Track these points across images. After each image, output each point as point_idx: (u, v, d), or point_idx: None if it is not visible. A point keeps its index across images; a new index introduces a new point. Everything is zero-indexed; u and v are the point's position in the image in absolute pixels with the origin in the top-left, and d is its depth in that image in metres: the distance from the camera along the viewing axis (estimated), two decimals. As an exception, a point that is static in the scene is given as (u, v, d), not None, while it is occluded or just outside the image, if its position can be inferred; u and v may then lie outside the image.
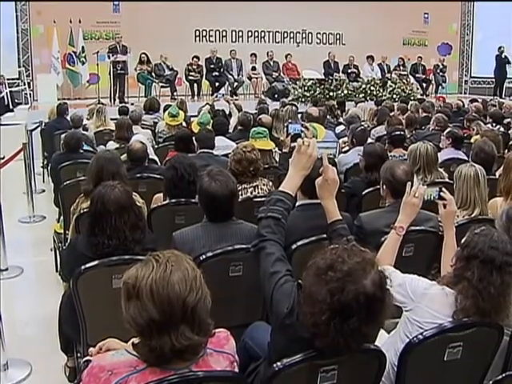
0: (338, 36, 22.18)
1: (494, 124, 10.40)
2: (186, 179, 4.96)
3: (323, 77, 18.26)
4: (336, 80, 18.00)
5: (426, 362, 2.94)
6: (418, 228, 4.19)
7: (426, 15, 23.27)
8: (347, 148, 7.65)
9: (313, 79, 17.62)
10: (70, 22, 17.17)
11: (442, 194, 3.72)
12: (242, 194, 5.17)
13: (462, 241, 3.04)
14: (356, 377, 2.69)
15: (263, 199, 4.17)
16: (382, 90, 18.25)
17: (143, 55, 17.29)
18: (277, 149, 7.42)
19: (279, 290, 2.69)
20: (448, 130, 7.65)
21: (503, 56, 21.36)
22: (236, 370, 2.53)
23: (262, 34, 21.11)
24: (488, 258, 2.86)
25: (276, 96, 17.34)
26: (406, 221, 3.66)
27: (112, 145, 8.17)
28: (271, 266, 2.80)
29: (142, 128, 9.65)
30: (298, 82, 17.91)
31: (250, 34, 20.89)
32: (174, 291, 2.20)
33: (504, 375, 2.71)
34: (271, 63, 19.10)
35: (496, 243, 2.89)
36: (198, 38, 20.19)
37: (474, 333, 2.93)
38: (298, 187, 3.34)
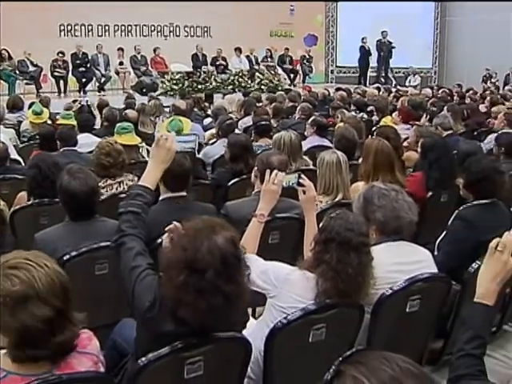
0: (205, 29, 22.19)
1: (357, 111, 10.74)
2: (50, 178, 4.82)
3: (191, 70, 18.25)
4: (204, 72, 18.02)
5: (292, 345, 2.99)
6: (282, 215, 4.28)
7: (291, 7, 23.67)
8: (214, 140, 7.68)
9: (181, 72, 17.59)
10: None
11: (301, 180, 3.77)
12: (107, 191, 5.09)
13: (320, 225, 3.12)
14: (223, 366, 2.71)
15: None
16: (250, 82, 18.40)
17: (4, 51, 16.61)
18: (144, 144, 7.33)
19: (140, 284, 2.66)
20: (312, 118, 7.83)
21: (366, 46, 22.16)
22: (101, 369, 2.48)
23: (129, 27, 20.78)
24: (344, 239, 2.94)
25: (144, 90, 17.14)
26: (266, 208, 3.70)
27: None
28: (132, 260, 2.76)
29: (6, 127, 9.26)
30: (166, 76, 17.79)
31: (116, 28, 20.51)
32: None
33: (353, 350, 2.81)
34: (139, 57, 18.83)
35: (352, 225, 2.98)
36: (62, 33, 19.58)
37: (336, 313, 3.01)
38: (160, 180, 3.31)
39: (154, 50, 19.27)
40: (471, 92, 16.41)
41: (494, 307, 2.28)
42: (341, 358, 1.30)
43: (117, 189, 5.19)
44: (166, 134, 3.27)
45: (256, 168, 4.34)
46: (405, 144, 7.08)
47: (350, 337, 3.17)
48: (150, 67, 18.95)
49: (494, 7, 21.86)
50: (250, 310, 4.13)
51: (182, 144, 3.31)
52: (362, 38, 22.33)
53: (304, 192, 3.78)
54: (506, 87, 19.93)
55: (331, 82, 23.89)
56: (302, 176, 3.82)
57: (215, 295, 2.39)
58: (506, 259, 2.25)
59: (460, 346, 2.25)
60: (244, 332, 2.86)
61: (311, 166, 5.83)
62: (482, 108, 12.49)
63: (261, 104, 11.22)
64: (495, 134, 7.42)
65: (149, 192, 3.09)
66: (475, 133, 9.38)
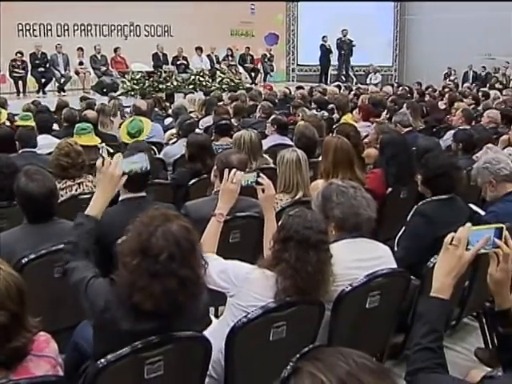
0: (166, 28, 22.09)
1: (318, 110, 10.79)
2: (7, 181, 4.74)
3: (152, 69, 18.15)
4: (165, 72, 17.93)
5: (253, 344, 3.01)
6: (243, 214, 4.28)
7: (252, 6, 23.68)
8: (175, 140, 7.65)
9: (142, 72, 17.50)
10: None
11: (259, 179, 3.79)
12: (66, 192, 5.04)
13: (278, 224, 3.13)
14: (183, 365, 2.71)
15: (88, 196, 4.08)
16: (211, 81, 18.38)
17: (-39, 52, 16.34)
18: (104, 144, 7.26)
19: (91, 290, 2.70)
20: (273, 117, 7.85)
21: (327, 45, 22.30)
22: (60, 372, 2.46)
23: (89, 27, 20.53)
24: (303, 237, 2.95)
25: (105, 90, 17.01)
26: (224, 207, 3.70)
27: None
28: (79, 275, 2.84)
29: (-38, 129, 9.10)
30: (126, 76, 17.67)
31: (75, 27, 20.23)
32: None
33: (310, 347, 2.82)
34: (99, 57, 18.69)
35: (310, 223, 2.99)
36: (21, 33, 19.26)
37: (296, 311, 3.02)
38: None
39: (115, 50, 19.13)
40: (430, 89, 16.64)
41: (449, 301, 2.31)
42: (298, 355, 1.30)
43: (76, 190, 5.13)
44: (107, 159, 3.26)
45: (215, 167, 4.34)
46: (365, 141, 7.14)
47: (310, 334, 3.18)
48: (110, 67, 18.82)
49: (453, 6, 22.16)
50: (212, 310, 4.15)
51: (130, 166, 3.29)
52: (323, 37, 22.50)
53: (263, 190, 3.79)
54: (465, 84, 20.20)
55: (292, 81, 23.94)
56: (261, 175, 3.84)
57: (170, 278, 2.44)
58: (461, 253, 2.27)
59: (417, 340, 2.27)
60: (205, 332, 2.86)
61: (272, 165, 5.84)
62: (441, 105, 12.67)
63: (222, 103, 11.20)
64: (453, 131, 7.53)
65: (92, 220, 3.16)
66: (434, 129, 9.51)
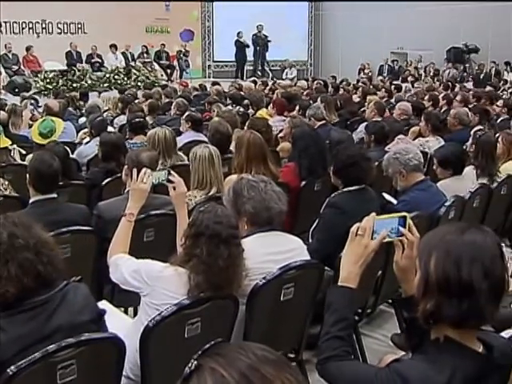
0: (79, 25, 21.57)
1: (233, 105, 10.80)
2: None
3: (66, 68, 17.84)
4: (79, 70, 17.69)
5: (168, 342, 2.99)
6: (157, 212, 4.26)
7: (167, 3, 23.51)
8: (88, 139, 7.52)
9: (55, 71, 17.17)
10: None
11: (170, 176, 3.78)
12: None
13: (189, 220, 3.13)
14: (97, 367, 2.67)
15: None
16: (126, 79, 18.20)
17: None
18: (15, 146, 7.07)
19: None
20: (187, 113, 7.83)
21: (242, 40, 22.39)
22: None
23: (-2, 25, 19.97)
24: (214, 232, 2.95)
25: (17, 90, 16.56)
26: (135, 206, 3.67)
27: None
28: None
29: None
30: (39, 75, 17.29)
31: (-16, 25, 19.67)
32: None
33: (212, 343, 2.82)
34: (10, 56, 18.24)
35: (220, 218, 2.99)
36: None
37: (210, 307, 3.02)
38: (29, 183, 3.24)
39: (27, 49, 18.67)
40: (345, 83, 16.90)
41: (357, 289, 2.36)
42: (200, 352, 1.30)
43: (-13, 193, 5.00)
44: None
45: (126, 166, 4.30)
46: (280, 135, 7.20)
47: (226, 329, 3.19)
48: (22, 66, 18.38)
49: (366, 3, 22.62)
50: (131, 310, 4.13)
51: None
52: (238, 33, 22.60)
53: (174, 188, 3.78)
54: (378, 77, 20.63)
55: (209, 77, 23.88)
56: (172, 172, 3.83)
57: (22, 252, 2.45)
58: (367, 243, 2.32)
59: (326, 329, 2.31)
60: (120, 333, 2.83)
61: (186, 162, 5.82)
62: (355, 98, 12.89)
63: (137, 101, 11.10)
64: (366, 123, 7.68)
65: None
66: (348, 122, 9.68)
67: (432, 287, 2.01)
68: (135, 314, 4.10)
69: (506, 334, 2.65)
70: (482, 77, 20.66)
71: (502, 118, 9.75)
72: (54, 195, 4.05)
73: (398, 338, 4.44)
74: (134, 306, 4.12)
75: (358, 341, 4.26)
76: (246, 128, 6.59)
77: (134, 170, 3.78)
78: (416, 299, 2.10)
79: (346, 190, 4.48)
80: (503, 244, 4.93)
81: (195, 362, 1.33)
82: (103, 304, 3.41)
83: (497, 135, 6.47)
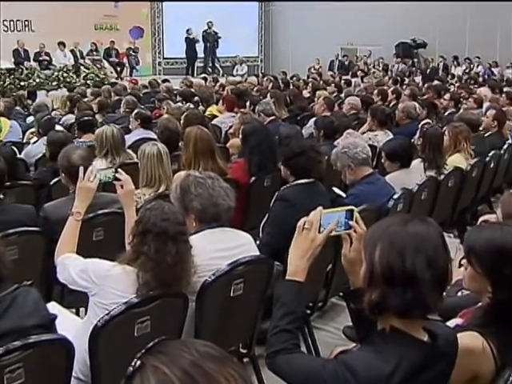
0: (26, 23, 21.15)
1: (183, 102, 10.76)
2: None
3: (13, 66, 17.54)
4: (27, 69, 17.41)
5: (118, 341, 2.97)
6: (105, 211, 4.22)
7: (116, 3, 23.26)
8: (35, 139, 7.42)
9: (2, 69, 16.87)
10: None
11: (117, 175, 3.76)
12: None
13: (137, 217, 3.12)
14: (45, 370, 2.65)
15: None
16: (75, 77, 17.98)
17: None
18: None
19: None
20: (136, 111, 7.78)
21: (192, 37, 22.32)
22: None
23: None
24: (161, 229, 2.95)
25: (-39, 91, 16.28)
26: (82, 205, 3.64)
27: None
28: None
29: None
30: (-15, 74, 16.96)
31: None
32: None
33: (155, 341, 2.82)
34: (-47, 55, 17.85)
35: (167, 215, 2.99)
36: None
37: (160, 304, 3.02)
38: None
39: (-28, 48, 18.28)
40: (295, 79, 16.96)
41: (305, 283, 2.37)
42: (143, 350, 1.29)
43: None
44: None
45: (60, 169, 4.27)
46: (230, 131, 7.20)
47: (176, 327, 3.19)
48: (-33, 65, 17.97)
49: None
50: (82, 311, 4.08)
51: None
52: (187, 30, 22.52)
53: (122, 186, 3.75)
54: (328, 73, 20.75)
55: (159, 74, 23.68)
56: (119, 170, 3.81)
57: None
58: (313, 236, 2.33)
59: (275, 323, 2.31)
60: (69, 334, 2.80)
61: (136, 160, 5.78)
62: (306, 94, 12.95)
63: (86, 99, 10.97)
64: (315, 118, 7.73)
65: None
66: (298, 117, 9.71)
67: (377, 278, 2.04)
68: (77, 313, 4.08)
69: (450, 323, 2.70)
70: (428, 72, 20.95)
71: (449, 112, 9.91)
72: (1, 196, 4.00)
73: (350, 331, 4.48)
74: (85, 306, 4.06)
75: (310, 334, 4.31)
76: (181, 124, 6.54)
77: (81, 169, 3.74)
78: (363, 291, 2.12)
79: (295, 183, 4.50)
80: (452, 235, 5.06)
81: (138, 361, 1.32)
82: (52, 305, 3.38)
83: (444, 128, 6.57)
